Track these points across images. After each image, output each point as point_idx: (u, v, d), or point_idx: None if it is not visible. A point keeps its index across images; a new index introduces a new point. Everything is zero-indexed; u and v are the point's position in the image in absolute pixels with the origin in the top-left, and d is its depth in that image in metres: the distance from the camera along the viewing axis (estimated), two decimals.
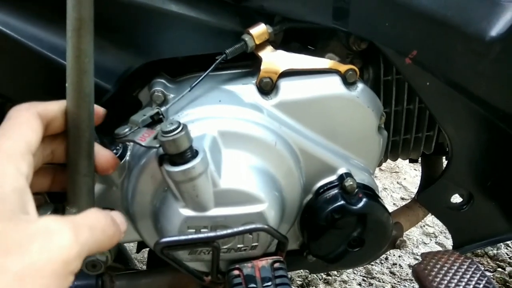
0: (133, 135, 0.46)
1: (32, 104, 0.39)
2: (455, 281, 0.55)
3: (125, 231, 0.39)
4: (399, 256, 1.39)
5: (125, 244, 1.02)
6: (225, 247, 0.53)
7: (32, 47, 0.50)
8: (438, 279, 0.55)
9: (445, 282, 0.55)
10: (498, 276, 1.28)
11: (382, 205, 0.60)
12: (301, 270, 1.23)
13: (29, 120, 0.37)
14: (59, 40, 0.50)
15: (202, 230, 0.50)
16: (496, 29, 0.54)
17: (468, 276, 0.55)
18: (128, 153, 0.54)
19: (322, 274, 1.29)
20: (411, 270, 0.75)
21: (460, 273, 0.56)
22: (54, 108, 0.40)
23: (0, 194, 0.30)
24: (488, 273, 1.29)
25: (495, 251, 1.36)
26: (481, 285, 0.54)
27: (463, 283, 0.54)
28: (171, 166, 0.46)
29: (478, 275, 0.55)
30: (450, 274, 0.56)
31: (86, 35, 0.39)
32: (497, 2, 0.54)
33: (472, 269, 0.56)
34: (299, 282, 1.27)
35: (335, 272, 1.30)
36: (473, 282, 0.54)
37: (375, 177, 1.74)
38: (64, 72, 0.40)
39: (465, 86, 0.58)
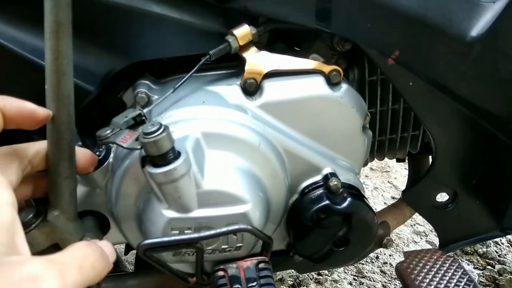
0: (114, 137, 0.46)
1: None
2: (437, 279, 0.55)
3: (114, 261, 0.37)
4: (390, 255, 1.39)
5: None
6: (209, 248, 0.53)
7: (14, 49, 0.50)
8: (420, 278, 0.56)
9: (427, 280, 0.55)
10: (488, 274, 1.29)
11: (367, 204, 0.60)
12: (293, 270, 1.24)
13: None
14: (40, 42, 0.50)
15: (186, 231, 0.50)
16: (476, 29, 0.54)
17: (450, 274, 0.56)
18: (112, 155, 0.54)
19: (313, 273, 1.29)
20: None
21: (442, 271, 0.56)
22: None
23: None
24: (477, 271, 1.31)
25: (484, 249, 1.37)
26: (463, 283, 0.54)
27: (445, 281, 0.55)
28: (153, 167, 0.46)
29: (459, 273, 0.56)
30: (432, 273, 0.56)
31: (64, 37, 0.38)
32: (477, 3, 0.54)
33: (454, 267, 0.57)
34: (290, 282, 1.27)
35: (326, 272, 1.30)
36: (455, 280, 0.55)
37: (366, 176, 1.76)
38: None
39: (447, 86, 0.59)
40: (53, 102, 0.40)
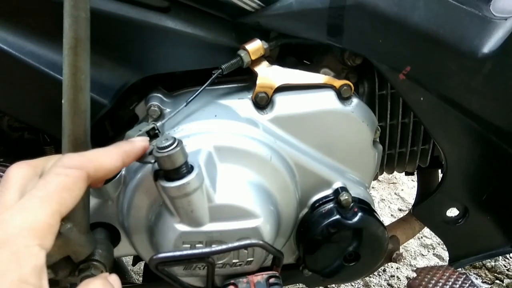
0: None
1: (83, 161, 0.37)
2: None
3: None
4: (397, 268, 1.38)
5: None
6: (220, 262, 0.52)
7: (30, 63, 0.50)
8: None
9: None
10: None
11: (377, 219, 0.60)
12: (299, 284, 1.22)
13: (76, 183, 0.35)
14: (56, 56, 0.50)
15: (197, 245, 0.50)
16: (488, 46, 0.55)
17: None
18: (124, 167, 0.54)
19: (320, 287, 1.28)
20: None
21: None
22: (109, 167, 0.39)
23: (20, 277, 0.29)
24: (485, 285, 1.29)
25: (493, 263, 1.36)
26: None
27: None
28: (166, 181, 0.46)
29: None
30: None
31: (82, 53, 0.39)
32: (489, 20, 0.55)
33: (467, 284, 0.56)
34: None
35: (333, 285, 1.29)
36: None
37: (373, 188, 1.75)
38: (61, 88, 0.41)
39: (458, 101, 0.59)
40: (70, 117, 0.41)
